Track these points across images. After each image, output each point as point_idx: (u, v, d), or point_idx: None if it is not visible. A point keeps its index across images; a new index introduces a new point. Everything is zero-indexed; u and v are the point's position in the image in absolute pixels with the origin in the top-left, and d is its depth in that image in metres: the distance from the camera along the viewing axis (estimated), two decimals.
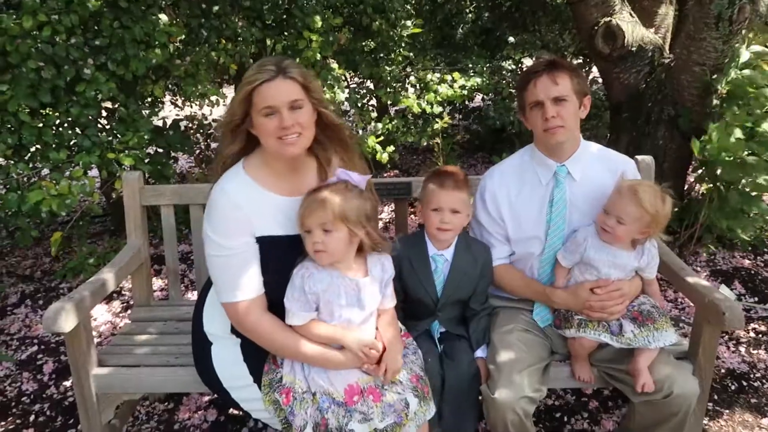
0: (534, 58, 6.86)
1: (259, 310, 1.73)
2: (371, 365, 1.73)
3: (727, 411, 2.52)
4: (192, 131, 4.88)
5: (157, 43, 3.51)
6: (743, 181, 3.16)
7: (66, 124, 3.39)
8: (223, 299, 1.74)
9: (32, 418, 2.62)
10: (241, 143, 1.77)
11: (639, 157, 2.34)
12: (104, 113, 3.77)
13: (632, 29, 3.68)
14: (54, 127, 3.34)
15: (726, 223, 3.26)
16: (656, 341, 1.84)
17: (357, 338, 1.71)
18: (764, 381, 2.72)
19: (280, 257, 1.75)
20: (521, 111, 2.06)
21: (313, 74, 1.81)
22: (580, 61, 6.90)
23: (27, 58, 3.09)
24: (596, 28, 3.72)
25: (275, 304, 1.75)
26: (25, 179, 3.29)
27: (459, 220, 1.97)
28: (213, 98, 4.07)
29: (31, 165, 3.26)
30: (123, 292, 3.76)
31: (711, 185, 3.32)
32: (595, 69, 5.17)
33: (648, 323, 1.87)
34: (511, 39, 6.85)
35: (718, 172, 3.17)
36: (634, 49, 3.68)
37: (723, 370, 2.80)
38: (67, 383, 2.84)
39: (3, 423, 2.59)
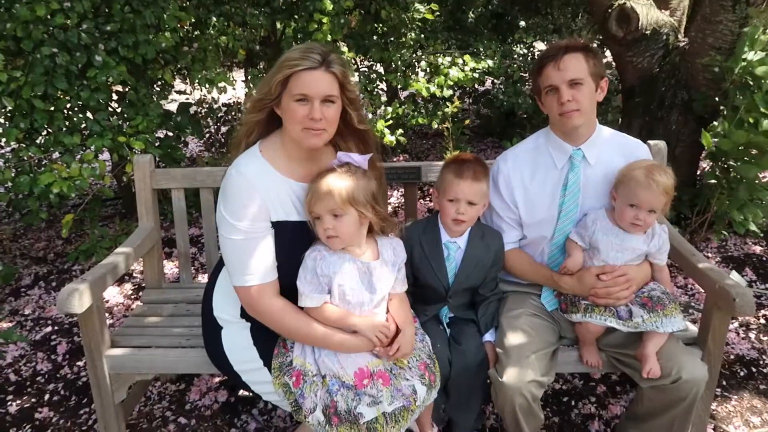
0: (546, 43, 6.80)
1: (271, 294, 1.74)
2: (383, 347, 1.74)
3: (736, 396, 2.52)
4: (201, 116, 4.89)
5: (167, 27, 3.51)
6: (751, 173, 3.11)
7: (77, 109, 3.41)
8: (235, 282, 1.75)
9: (47, 397, 2.67)
10: (264, 118, 1.77)
11: (651, 142, 2.32)
12: (114, 97, 3.78)
13: (647, 12, 3.62)
14: (65, 111, 3.36)
15: (737, 214, 3.22)
16: (665, 326, 1.84)
17: (369, 321, 1.72)
18: None
19: (295, 242, 1.76)
20: (537, 95, 2.04)
21: (351, 71, 1.81)
22: (594, 45, 6.82)
23: (40, 44, 3.11)
24: (610, 10, 3.66)
25: (288, 289, 1.76)
26: (36, 162, 3.33)
27: (475, 212, 1.97)
28: (221, 84, 4.07)
29: (42, 148, 3.28)
30: (134, 275, 3.80)
31: (720, 176, 3.28)
32: (608, 53, 5.10)
33: (657, 309, 1.86)
34: (523, 23, 6.78)
35: (728, 162, 3.13)
36: (648, 32, 3.62)
37: (732, 356, 2.79)
38: (81, 363, 2.88)
39: (18, 401, 2.64)
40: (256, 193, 1.70)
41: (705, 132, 3.11)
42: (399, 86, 4.84)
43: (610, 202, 1.97)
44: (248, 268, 1.71)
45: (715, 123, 3.14)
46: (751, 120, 3.08)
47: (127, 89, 3.62)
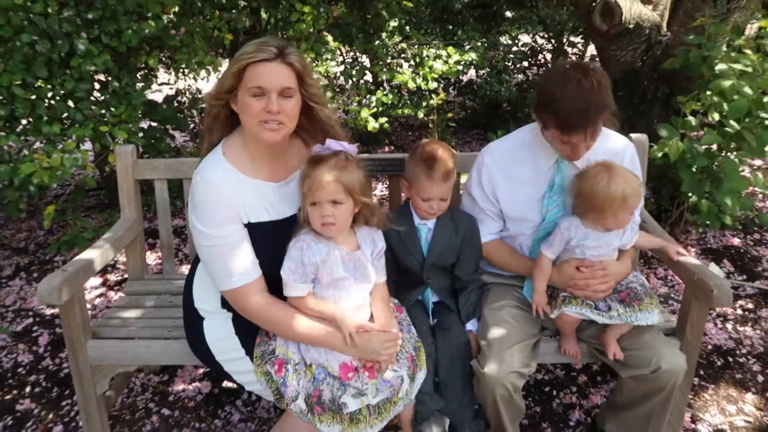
0: (531, 35, 6.81)
1: (258, 291, 1.73)
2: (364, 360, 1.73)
3: (713, 386, 2.58)
4: (185, 106, 4.85)
5: (150, 14, 3.46)
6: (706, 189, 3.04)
7: (59, 98, 3.36)
8: (220, 287, 1.74)
9: (28, 389, 2.65)
10: (221, 112, 1.73)
11: (633, 136, 2.34)
12: (97, 86, 3.73)
13: (630, 6, 3.64)
14: (47, 100, 3.31)
15: (707, 220, 3.23)
16: (639, 320, 1.87)
17: (349, 319, 1.71)
18: (749, 357, 2.77)
19: (268, 243, 1.75)
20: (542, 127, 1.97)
21: (312, 66, 1.79)
22: (579, 38, 6.85)
23: (20, 31, 3.05)
24: (594, 4, 3.67)
25: (269, 286, 1.76)
26: (16, 152, 3.27)
27: (446, 203, 2.02)
28: (209, 67, 4.02)
29: (23, 138, 3.23)
30: (117, 266, 3.77)
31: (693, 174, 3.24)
32: (592, 46, 5.13)
33: (634, 304, 1.88)
34: (509, 14, 6.78)
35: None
36: (631, 26, 3.65)
37: (710, 347, 2.84)
38: (63, 355, 2.86)
39: None
40: (225, 199, 1.68)
41: (653, 148, 3.00)
42: (385, 78, 4.83)
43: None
44: (230, 271, 1.69)
45: (691, 118, 3.15)
46: (714, 117, 3.07)
47: (109, 78, 3.57)
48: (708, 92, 3.01)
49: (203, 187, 1.68)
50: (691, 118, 3.15)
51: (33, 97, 3.21)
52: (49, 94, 3.32)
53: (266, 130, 1.65)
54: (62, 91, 3.28)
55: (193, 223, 1.71)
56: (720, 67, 3.05)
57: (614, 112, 1.87)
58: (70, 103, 3.39)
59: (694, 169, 2.97)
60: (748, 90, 2.80)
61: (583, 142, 1.83)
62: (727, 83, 2.88)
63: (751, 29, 5.49)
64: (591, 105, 1.75)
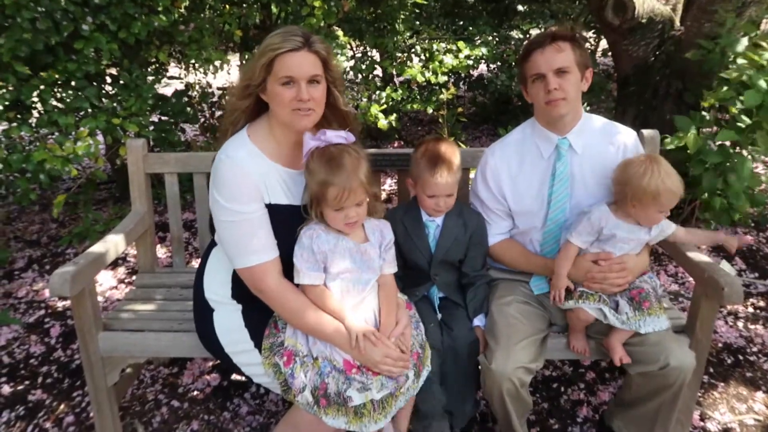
0: (543, 29, 6.77)
1: (275, 272, 1.73)
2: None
3: (722, 384, 2.56)
4: (196, 100, 4.86)
5: (160, 7, 3.47)
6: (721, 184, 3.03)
7: (66, 85, 3.37)
8: (238, 265, 1.74)
9: (40, 379, 2.68)
10: (250, 105, 1.77)
11: (644, 131, 2.32)
12: (108, 80, 3.75)
13: (643, 0, 3.61)
14: (54, 87, 3.31)
15: (720, 217, 3.21)
16: (646, 326, 1.86)
17: (358, 327, 1.71)
18: (760, 355, 2.75)
19: (284, 225, 1.76)
20: (522, 84, 2.04)
21: (333, 52, 1.81)
22: (591, 33, 6.80)
23: (24, 8, 3.06)
24: None
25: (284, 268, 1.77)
26: (28, 143, 3.30)
27: (452, 199, 2.01)
28: (217, 63, 4.03)
29: (35, 129, 3.26)
30: (128, 259, 3.80)
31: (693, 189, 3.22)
32: (604, 41, 5.09)
33: (643, 307, 1.88)
34: (521, 8, 6.74)
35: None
36: (644, 20, 3.62)
37: (720, 344, 2.82)
38: (74, 346, 2.89)
39: (12, 384, 2.65)
40: (248, 177, 1.70)
41: (666, 140, 2.99)
42: (394, 72, 4.82)
43: (612, 196, 1.96)
44: (248, 248, 1.71)
45: (705, 113, 3.12)
46: (734, 111, 3.04)
47: (119, 71, 3.59)
48: (725, 87, 2.98)
49: (228, 164, 1.70)
50: (705, 113, 3.13)
51: (41, 86, 3.22)
52: (58, 82, 3.32)
53: (300, 117, 1.69)
54: (66, 75, 3.28)
55: (215, 198, 1.72)
56: (739, 61, 3.01)
57: (587, 63, 1.95)
58: (80, 94, 3.40)
59: (707, 166, 2.95)
60: (763, 84, 2.76)
61: (547, 65, 1.87)
62: (744, 77, 2.85)
63: (766, 24, 5.43)
64: (548, 32, 1.94)
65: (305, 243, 1.71)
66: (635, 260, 1.94)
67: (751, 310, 3.11)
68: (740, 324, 2.98)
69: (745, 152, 3.07)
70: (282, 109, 1.69)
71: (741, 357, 2.74)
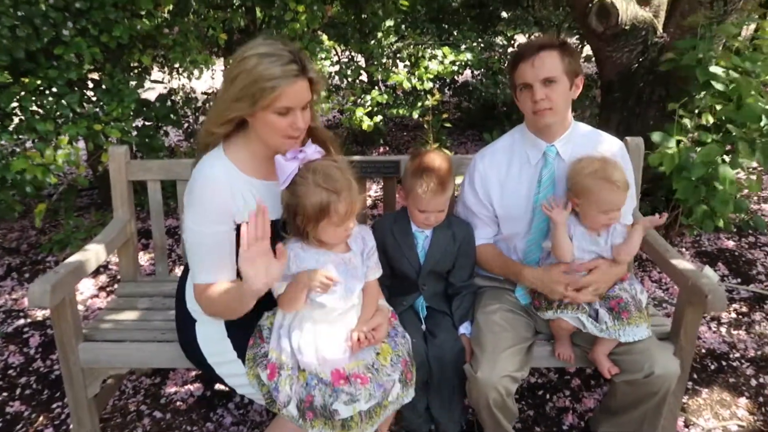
0: (527, 36, 6.81)
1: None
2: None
3: (706, 390, 2.57)
4: (179, 105, 4.82)
5: (143, 11, 3.43)
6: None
7: (47, 92, 3.32)
8: (195, 279, 1.74)
9: (18, 390, 2.63)
10: (230, 129, 1.72)
11: (628, 138, 2.34)
12: (90, 84, 3.70)
13: (626, 7, 3.64)
14: (34, 94, 3.26)
15: (701, 224, 3.24)
16: (626, 336, 1.86)
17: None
18: (743, 361, 2.77)
19: None
20: (513, 91, 2.05)
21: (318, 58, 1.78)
22: (575, 39, 6.85)
23: (3, 15, 3.01)
24: (590, 5, 3.67)
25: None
26: (8, 152, 3.24)
27: (443, 214, 2.01)
28: (202, 65, 4.00)
29: (15, 137, 3.20)
30: (110, 267, 3.75)
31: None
32: (588, 47, 5.13)
33: (623, 317, 1.88)
34: (505, 14, 6.78)
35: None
36: (627, 27, 3.64)
37: (704, 350, 2.84)
38: (54, 357, 2.84)
39: None
40: (220, 196, 1.68)
41: (650, 155, 2.99)
42: (380, 78, 4.82)
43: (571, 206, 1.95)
44: (203, 267, 1.70)
45: (687, 121, 3.15)
46: (709, 120, 3.08)
47: (101, 76, 3.54)
48: (702, 93, 3.01)
49: (201, 182, 1.68)
50: (686, 121, 3.15)
51: (22, 92, 3.16)
52: (39, 89, 3.27)
53: (292, 143, 1.67)
54: (48, 83, 3.23)
55: (185, 215, 1.71)
56: (714, 69, 3.05)
57: (577, 70, 1.94)
58: (62, 102, 3.35)
59: (691, 178, 2.97)
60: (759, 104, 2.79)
61: (534, 75, 1.87)
62: (722, 86, 2.89)
63: (747, 30, 5.50)
64: (536, 41, 1.95)
65: (292, 268, 1.67)
66: (608, 267, 1.93)
67: (734, 315, 3.13)
68: (723, 330, 3.01)
69: (726, 157, 3.11)
70: (273, 135, 1.65)
71: (724, 363, 2.76)
